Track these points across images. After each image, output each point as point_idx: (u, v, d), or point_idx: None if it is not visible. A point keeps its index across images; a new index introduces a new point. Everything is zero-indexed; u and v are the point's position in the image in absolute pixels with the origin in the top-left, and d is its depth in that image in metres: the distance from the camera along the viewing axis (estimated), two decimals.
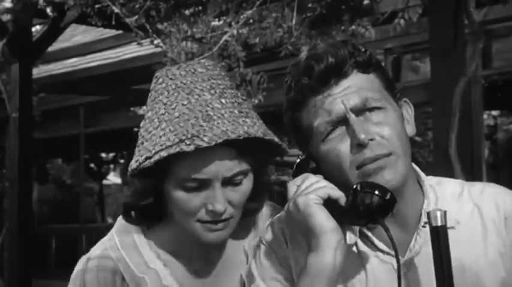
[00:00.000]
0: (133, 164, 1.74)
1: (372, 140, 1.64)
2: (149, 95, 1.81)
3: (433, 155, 5.30)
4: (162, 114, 1.73)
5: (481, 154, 8.17)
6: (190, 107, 1.71)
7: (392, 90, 1.75)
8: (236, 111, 1.74)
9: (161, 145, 1.69)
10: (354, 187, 1.64)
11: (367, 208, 1.62)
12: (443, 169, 4.71)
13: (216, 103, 1.73)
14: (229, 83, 1.81)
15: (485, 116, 8.81)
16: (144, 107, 1.84)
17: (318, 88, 1.68)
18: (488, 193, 1.78)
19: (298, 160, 1.78)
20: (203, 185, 1.73)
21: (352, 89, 1.67)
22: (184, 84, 1.75)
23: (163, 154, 1.68)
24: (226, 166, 1.73)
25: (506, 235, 1.73)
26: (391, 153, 1.65)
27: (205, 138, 1.66)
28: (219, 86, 1.77)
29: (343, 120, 1.66)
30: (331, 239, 1.61)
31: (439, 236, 1.54)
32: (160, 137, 1.70)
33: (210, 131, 1.67)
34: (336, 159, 1.67)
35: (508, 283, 1.71)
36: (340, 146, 1.67)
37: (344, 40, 1.75)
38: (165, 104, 1.74)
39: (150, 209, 1.84)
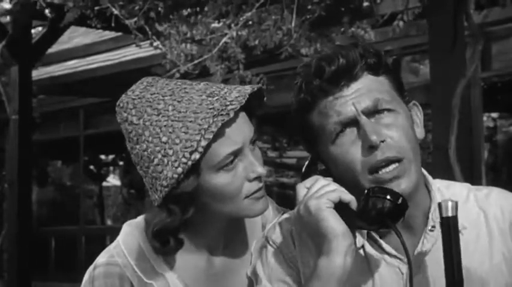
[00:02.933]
0: (173, 173, 1.68)
1: (382, 141, 1.64)
2: (127, 127, 1.76)
3: (432, 156, 5.29)
4: (166, 120, 1.70)
5: (480, 156, 8.17)
6: (188, 98, 1.71)
7: (403, 93, 1.75)
8: (220, 84, 1.77)
9: (197, 133, 1.66)
10: (366, 191, 1.64)
11: (379, 212, 1.61)
12: (442, 171, 4.70)
13: (202, 86, 1.74)
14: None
15: (484, 118, 8.81)
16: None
17: (328, 90, 1.68)
18: (494, 197, 1.78)
19: (306, 162, 1.77)
20: (236, 156, 1.72)
21: (363, 91, 1.67)
22: (157, 93, 1.74)
23: (208, 136, 1.66)
24: (248, 128, 1.75)
25: (511, 240, 1.73)
26: (403, 157, 1.65)
27: (233, 102, 1.67)
28: (183, 81, 1.78)
29: (354, 122, 1.66)
30: (342, 244, 1.61)
31: (450, 227, 1.53)
32: (186, 132, 1.67)
33: (229, 98, 1.69)
34: (347, 162, 1.67)
35: None
36: (351, 149, 1.66)
37: (355, 43, 1.75)
38: (159, 114, 1.71)
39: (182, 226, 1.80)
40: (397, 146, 1.65)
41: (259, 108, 1.84)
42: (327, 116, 1.68)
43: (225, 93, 1.71)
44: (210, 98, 1.70)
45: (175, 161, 1.68)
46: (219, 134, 1.68)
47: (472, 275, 1.67)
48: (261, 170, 1.74)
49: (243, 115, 1.74)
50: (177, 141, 1.67)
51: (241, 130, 1.72)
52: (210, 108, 1.67)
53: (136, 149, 1.74)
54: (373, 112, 1.67)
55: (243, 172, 1.74)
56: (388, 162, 1.65)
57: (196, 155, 1.66)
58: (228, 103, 1.67)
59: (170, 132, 1.69)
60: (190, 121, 1.67)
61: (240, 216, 1.82)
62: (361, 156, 1.65)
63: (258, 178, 1.75)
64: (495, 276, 1.71)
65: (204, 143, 1.65)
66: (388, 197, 1.61)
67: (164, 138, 1.69)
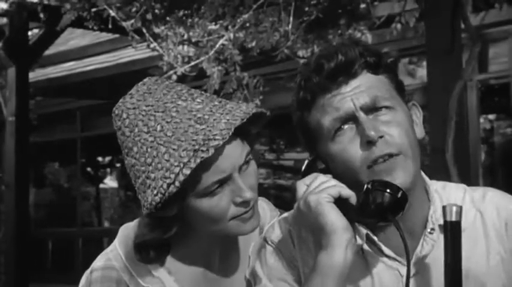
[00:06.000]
0: (151, 200, 1.68)
1: (381, 137, 1.64)
2: (120, 137, 1.76)
3: (429, 159, 5.29)
4: (152, 141, 1.68)
5: (477, 158, 8.18)
6: (177, 120, 1.69)
7: (402, 92, 1.75)
8: (217, 103, 1.73)
9: (177, 165, 1.65)
10: (366, 185, 1.64)
11: (379, 206, 1.61)
12: (440, 173, 4.69)
13: (195, 105, 1.71)
14: (183, 85, 1.80)
15: (481, 120, 8.82)
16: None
17: (327, 86, 1.68)
18: (489, 198, 1.78)
19: (306, 161, 1.77)
20: (224, 182, 1.71)
21: (362, 88, 1.67)
22: (152, 106, 1.72)
23: (186, 171, 1.64)
24: (238, 154, 1.72)
25: (507, 240, 1.74)
26: (400, 152, 1.65)
27: (217, 137, 1.64)
28: (182, 91, 1.75)
29: (352, 118, 1.66)
30: (342, 238, 1.61)
31: (453, 232, 1.52)
32: (168, 160, 1.66)
33: (215, 129, 1.65)
34: (346, 159, 1.67)
35: None
36: (349, 145, 1.66)
37: (356, 41, 1.75)
38: (148, 132, 1.70)
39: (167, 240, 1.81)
40: (396, 142, 1.65)
41: (257, 128, 1.80)
42: (326, 112, 1.68)
43: (214, 120, 1.67)
44: (197, 125, 1.67)
45: (155, 188, 1.68)
46: (203, 164, 1.65)
47: (469, 276, 1.67)
48: (248, 195, 1.72)
49: (232, 140, 1.69)
50: (159, 167, 1.67)
51: (229, 158, 1.70)
52: (193, 140, 1.65)
53: (127, 160, 1.75)
54: (371, 109, 1.67)
55: (229, 195, 1.72)
56: (386, 157, 1.65)
57: (173, 189, 1.65)
58: (212, 137, 1.64)
59: (154, 156, 1.68)
60: (174, 149, 1.66)
61: (226, 235, 1.81)
62: (359, 152, 1.65)
63: (246, 203, 1.73)
64: (492, 277, 1.71)
65: (181, 177, 1.64)
66: (388, 190, 1.61)
67: (149, 160, 1.69)
